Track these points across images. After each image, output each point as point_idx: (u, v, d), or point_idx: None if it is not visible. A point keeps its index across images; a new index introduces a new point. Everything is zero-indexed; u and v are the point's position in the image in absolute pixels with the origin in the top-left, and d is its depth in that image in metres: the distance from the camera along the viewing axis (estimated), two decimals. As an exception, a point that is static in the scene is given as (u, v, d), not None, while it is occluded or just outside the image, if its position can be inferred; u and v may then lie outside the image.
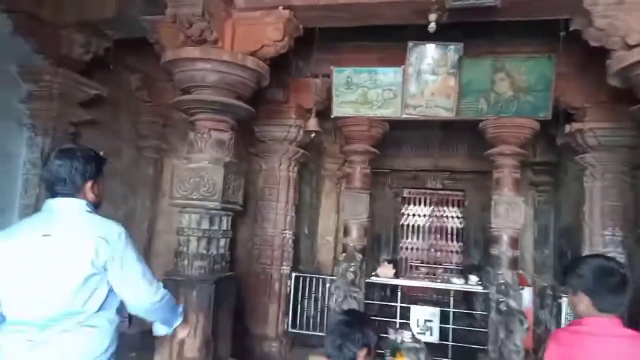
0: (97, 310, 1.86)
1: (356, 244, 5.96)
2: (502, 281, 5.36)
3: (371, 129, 5.90)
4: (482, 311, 7.09)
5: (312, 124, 5.47)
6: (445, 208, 9.13)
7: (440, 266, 8.79)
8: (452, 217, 9.11)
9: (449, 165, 8.41)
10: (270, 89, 5.44)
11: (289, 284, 6.12)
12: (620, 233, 5.07)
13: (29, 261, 1.80)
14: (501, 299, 5.26)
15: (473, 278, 6.08)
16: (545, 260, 7.80)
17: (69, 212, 1.91)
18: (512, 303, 5.24)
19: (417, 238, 9.19)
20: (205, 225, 4.43)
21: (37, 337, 1.76)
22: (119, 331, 1.95)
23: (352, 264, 5.65)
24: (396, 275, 6.39)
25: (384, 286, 7.24)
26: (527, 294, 5.85)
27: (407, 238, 9.21)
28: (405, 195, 9.26)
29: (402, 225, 9.22)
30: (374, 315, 6.25)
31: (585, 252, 5.30)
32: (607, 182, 5.20)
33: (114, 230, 1.91)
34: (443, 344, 5.75)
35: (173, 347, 4.30)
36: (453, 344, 5.73)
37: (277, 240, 5.99)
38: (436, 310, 5.83)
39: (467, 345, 5.77)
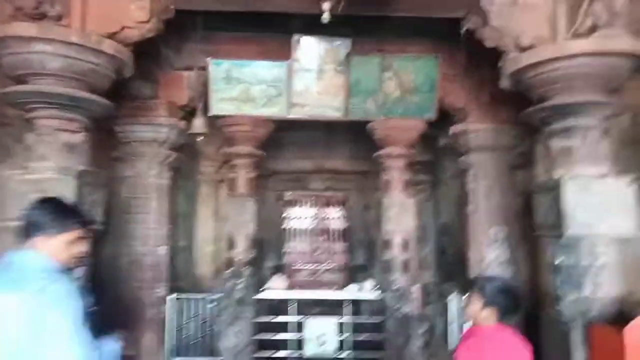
0: None
1: (243, 257, 5.36)
2: (396, 287, 5.19)
3: (255, 130, 5.36)
4: (373, 313, 6.98)
5: (198, 125, 4.70)
6: (329, 209, 8.90)
7: (325, 267, 8.55)
8: (336, 217, 8.91)
9: (332, 166, 8.21)
10: (136, 83, 4.63)
11: (163, 309, 5.29)
12: (504, 231, 5.19)
13: None
14: (397, 306, 5.08)
15: (367, 284, 5.85)
16: (426, 258, 7.94)
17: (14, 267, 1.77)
18: (408, 308, 5.09)
19: (302, 241, 8.83)
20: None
21: None
22: None
23: (239, 280, 5.04)
24: (289, 286, 5.92)
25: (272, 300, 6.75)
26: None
27: (291, 242, 8.81)
28: (287, 198, 8.83)
29: (286, 229, 8.79)
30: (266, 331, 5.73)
31: (471, 250, 5.36)
32: (489, 182, 5.29)
33: (49, 290, 1.69)
34: (339, 358, 5.44)
35: None
36: (350, 355, 5.44)
37: (148, 259, 5.13)
38: (332, 323, 5.48)
39: (366, 356, 5.52)
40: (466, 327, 2.61)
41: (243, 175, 5.45)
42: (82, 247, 1.96)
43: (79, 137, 3.68)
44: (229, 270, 5.30)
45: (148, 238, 5.12)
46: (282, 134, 6.25)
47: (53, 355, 1.63)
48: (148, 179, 5.15)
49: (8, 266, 1.76)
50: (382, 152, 5.51)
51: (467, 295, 2.46)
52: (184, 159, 5.81)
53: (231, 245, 5.42)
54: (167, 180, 5.31)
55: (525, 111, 3.73)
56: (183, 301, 5.49)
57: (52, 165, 3.54)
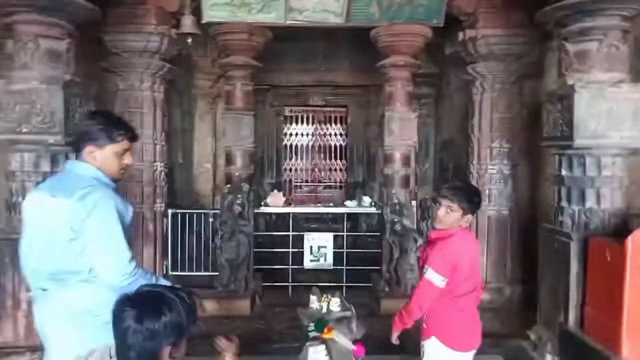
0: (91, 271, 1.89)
1: (242, 173, 5.29)
2: (396, 201, 5.18)
3: (252, 38, 5.05)
4: (370, 229, 7.09)
5: (187, 24, 4.37)
6: (329, 126, 8.74)
7: (324, 183, 8.58)
8: (336, 134, 8.78)
9: (332, 79, 7.90)
10: (120, -15, 4.27)
11: (165, 222, 5.32)
12: (507, 145, 5.08)
13: (37, 218, 1.94)
14: (396, 219, 5.09)
15: (366, 199, 5.85)
16: (426, 174, 7.92)
17: (71, 174, 2.00)
18: (406, 222, 5.11)
19: (301, 158, 8.77)
20: (45, 166, 3.42)
21: (47, 287, 1.91)
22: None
23: (238, 195, 5.00)
24: (287, 203, 5.92)
25: (271, 214, 6.81)
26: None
27: (290, 159, 8.74)
28: (287, 113, 8.63)
29: (285, 145, 8.68)
30: (264, 247, 5.83)
31: (473, 165, 5.28)
32: (496, 93, 5.08)
33: (91, 197, 1.87)
34: (337, 268, 5.56)
35: (18, 321, 3.41)
36: (347, 267, 5.56)
37: (146, 175, 5.06)
38: (329, 237, 5.53)
39: (362, 267, 5.65)
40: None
41: (240, 88, 5.22)
42: (128, 160, 2.07)
43: (63, 45, 3.46)
44: (227, 186, 5.25)
45: (145, 154, 5.02)
46: (280, 45, 5.92)
47: (92, 255, 1.87)
48: (141, 92, 4.93)
49: (65, 174, 2.08)
50: (385, 61, 5.23)
51: (436, 200, 2.54)
52: (179, 71, 5.55)
53: (230, 161, 5.32)
54: (161, 94, 5.09)
55: (542, 10, 3.48)
56: (182, 216, 5.51)
57: (36, 75, 3.35)
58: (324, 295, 1.90)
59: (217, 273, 5.15)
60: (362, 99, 8.33)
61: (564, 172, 3.64)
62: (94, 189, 1.89)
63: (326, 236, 5.54)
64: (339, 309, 1.87)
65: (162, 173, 5.22)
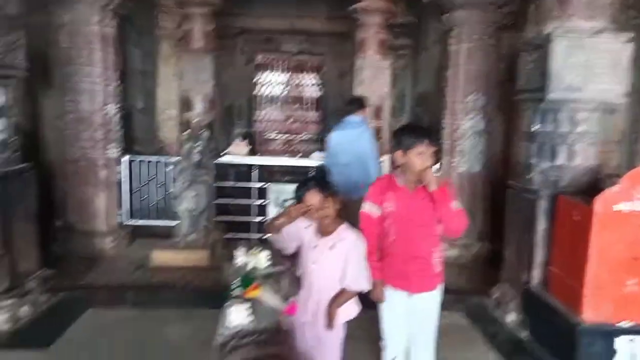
0: None
1: (201, 119, 4.97)
2: (364, 154, 4.94)
3: (213, -29, 4.62)
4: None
5: None
6: (303, 75, 8.35)
7: (297, 137, 8.28)
8: (310, 85, 8.41)
9: (307, 26, 7.47)
10: None
11: (118, 169, 5.02)
12: (482, 99, 4.84)
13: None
14: (363, 173, 4.87)
15: (334, 152, 5.58)
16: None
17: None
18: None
19: (274, 109, 8.42)
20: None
21: None
22: None
23: (197, 142, 4.70)
24: (252, 152, 5.64)
25: (239, 165, 6.52)
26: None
27: (262, 109, 8.38)
28: (259, 61, 8.20)
29: (257, 95, 8.30)
30: (228, 196, 5.58)
31: (446, 119, 5.06)
32: (472, 44, 4.79)
33: None
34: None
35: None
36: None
37: (97, 118, 4.71)
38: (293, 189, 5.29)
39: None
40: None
41: (199, 28, 4.83)
42: None
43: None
44: (185, 133, 4.93)
45: (95, 94, 4.65)
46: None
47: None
48: (89, 26, 4.51)
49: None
50: (357, 5, 4.88)
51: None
52: (134, 7, 5.10)
53: (188, 106, 4.99)
54: (113, 29, 4.67)
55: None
56: (139, 164, 5.21)
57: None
58: (252, 249, 1.67)
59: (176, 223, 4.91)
60: (338, 49, 7.91)
61: (536, 127, 3.44)
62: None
63: (291, 188, 5.29)
64: (267, 264, 1.65)
65: (116, 117, 4.88)
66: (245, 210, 5.53)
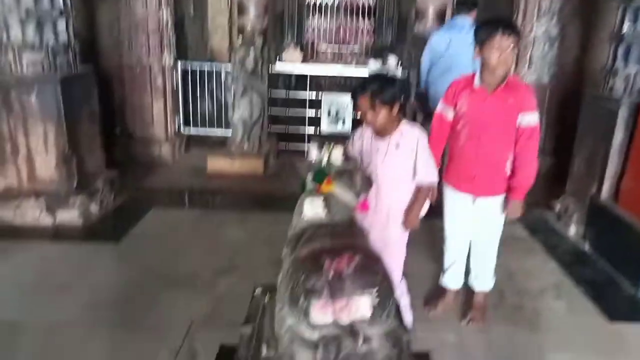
0: None
1: (255, 25, 4.79)
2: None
3: None
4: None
5: None
6: (357, -20, 7.81)
7: (349, 47, 7.90)
8: (365, -9, 7.88)
9: None
10: None
11: (175, 77, 5.00)
12: (559, 0, 4.38)
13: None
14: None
15: (392, 59, 5.33)
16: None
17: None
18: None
19: (325, 17, 8.02)
20: (27, 1, 3.02)
21: None
22: None
23: (251, 49, 4.56)
24: (304, 60, 5.45)
25: (289, 75, 6.36)
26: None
27: (313, 18, 8.01)
28: (310, -36, 7.71)
29: (308, 3, 7.89)
30: (281, 106, 5.50)
31: (518, 21, 4.64)
32: None
33: None
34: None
35: (20, 167, 3.31)
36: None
37: (151, 23, 4.63)
38: (348, 100, 5.13)
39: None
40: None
41: None
42: None
43: None
44: (239, 39, 4.79)
45: (149, -1, 4.53)
46: None
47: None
48: None
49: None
50: None
51: None
52: None
53: (242, 10, 4.80)
54: None
55: None
56: (193, 72, 5.16)
57: None
58: (326, 144, 1.61)
59: (230, 132, 4.92)
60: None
61: (625, 27, 3.09)
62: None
63: (346, 98, 5.16)
64: (341, 159, 1.60)
65: (169, 23, 4.77)
66: (298, 120, 5.45)
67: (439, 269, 2.67)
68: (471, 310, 2.50)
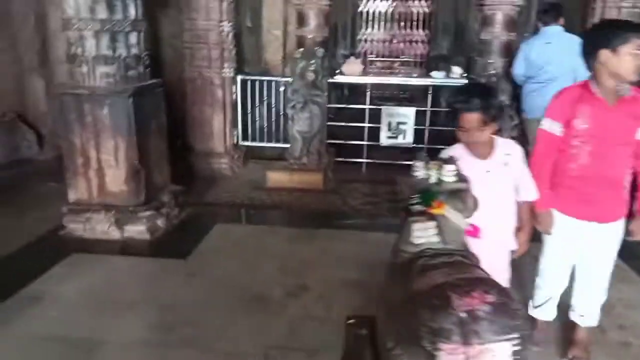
0: None
1: (316, 36, 4.72)
2: (492, 72, 4.47)
3: None
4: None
5: None
6: (412, -12, 7.69)
7: (403, 59, 7.73)
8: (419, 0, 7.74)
9: None
10: None
11: (234, 89, 4.98)
12: None
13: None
14: (490, 93, 4.42)
15: (456, 70, 5.13)
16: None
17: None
18: (503, 97, 4.43)
19: (379, 27, 7.91)
20: (101, 13, 3.05)
21: None
22: None
23: (312, 61, 4.47)
24: (363, 74, 5.34)
25: (342, 86, 6.26)
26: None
27: (366, 28, 7.92)
28: (364, -26, 7.65)
29: (361, 12, 7.81)
30: (335, 120, 5.38)
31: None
32: None
33: None
34: (417, 147, 5.07)
35: (90, 180, 3.31)
36: (429, 146, 5.05)
37: (212, 36, 4.63)
38: (411, 111, 4.98)
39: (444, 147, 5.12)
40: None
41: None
42: None
43: None
44: (299, 50, 4.71)
45: (210, 11, 4.54)
46: None
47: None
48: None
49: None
50: None
51: None
52: None
53: (302, 21, 4.73)
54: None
55: None
56: (252, 84, 5.13)
57: None
58: (434, 162, 1.45)
59: (288, 145, 4.84)
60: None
61: None
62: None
63: (407, 111, 5.00)
64: (453, 179, 1.43)
65: (230, 35, 4.77)
66: (356, 134, 5.31)
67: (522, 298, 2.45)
68: (572, 347, 2.25)
